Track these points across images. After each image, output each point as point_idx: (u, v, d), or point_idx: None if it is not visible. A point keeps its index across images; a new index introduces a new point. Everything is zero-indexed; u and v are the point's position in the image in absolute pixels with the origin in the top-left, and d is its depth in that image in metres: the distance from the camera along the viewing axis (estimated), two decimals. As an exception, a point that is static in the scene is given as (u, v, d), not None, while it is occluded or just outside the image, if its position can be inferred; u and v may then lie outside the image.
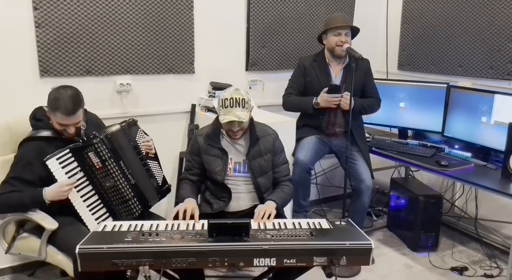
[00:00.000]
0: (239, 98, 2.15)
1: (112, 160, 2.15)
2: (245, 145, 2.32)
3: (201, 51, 3.09)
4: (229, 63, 3.25)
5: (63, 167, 2.07)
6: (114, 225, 1.93)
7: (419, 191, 3.14)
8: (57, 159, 2.06)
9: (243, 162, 2.32)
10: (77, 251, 1.68)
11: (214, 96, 3.01)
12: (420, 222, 3.06)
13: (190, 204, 2.15)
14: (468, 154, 2.91)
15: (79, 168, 2.12)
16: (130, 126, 2.33)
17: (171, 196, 2.63)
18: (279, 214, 2.29)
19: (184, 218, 2.06)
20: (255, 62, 3.32)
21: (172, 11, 2.91)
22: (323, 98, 2.87)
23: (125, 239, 1.75)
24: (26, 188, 2.05)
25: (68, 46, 2.63)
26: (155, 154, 2.42)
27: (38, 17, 2.51)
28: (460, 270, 2.85)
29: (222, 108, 2.17)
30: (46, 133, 2.13)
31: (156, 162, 2.42)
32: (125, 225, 1.94)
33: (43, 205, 2.04)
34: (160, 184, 2.39)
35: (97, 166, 2.12)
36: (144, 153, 2.34)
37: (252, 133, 2.31)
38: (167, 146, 2.48)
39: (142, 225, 1.94)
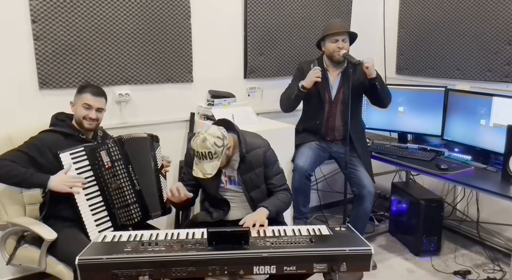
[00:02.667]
0: (205, 152, 2.06)
1: (121, 162, 2.22)
2: (237, 160, 2.28)
3: (199, 59, 3.10)
4: (228, 71, 3.26)
5: (74, 163, 2.14)
6: (114, 236, 1.93)
7: (420, 195, 3.14)
8: (71, 153, 2.14)
9: (236, 176, 2.31)
10: (76, 262, 1.68)
11: (213, 104, 3.02)
12: (422, 227, 3.05)
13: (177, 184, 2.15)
14: (468, 157, 2.91)
15: (89, 167, 2.18)
16: (153, 140, 2.41)
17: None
18: (279, 221, 2.28)
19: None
20: (253, 69, 3.33)
21: (170, 21, 2.94)
22: (307, 78, 2.84)
23: (125, 250, 1.75)
24: (29, 166, 2.08)
25: (66, 58, 2.65)
26: (165, 174, 2.47)
27: (37, 29, 2.53)
28: (463, 274, 2.83)
29: (194, 156, 2.13)
30: (65, 129, 2.22)
31: (166, 181, 2.45)
32: (124, 235, 1.94)
33: (43, 189, 2.10)
34: (164, 200, 2.40)
35: (107, 166, 2.20)
36: (159, 167, 2.39)
37: (240, 149, 2.27)
38: (167, 155, 2.50)
39: (142, 235, 1.94)
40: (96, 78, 2.77)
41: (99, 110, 2.26)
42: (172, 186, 2.12)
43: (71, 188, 2.08)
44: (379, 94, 2.91)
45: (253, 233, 1.96)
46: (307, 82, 2.83)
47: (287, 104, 2.99)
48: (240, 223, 2.10)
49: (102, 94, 2.29)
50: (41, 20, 2.53)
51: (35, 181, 2.07)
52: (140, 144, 2.34)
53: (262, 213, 2.14)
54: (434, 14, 3.45)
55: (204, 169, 2.08)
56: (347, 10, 3.69)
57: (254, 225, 2.03)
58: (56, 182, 2.07)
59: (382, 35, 3.88)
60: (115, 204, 2.21)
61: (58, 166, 2.12)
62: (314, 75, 2.80)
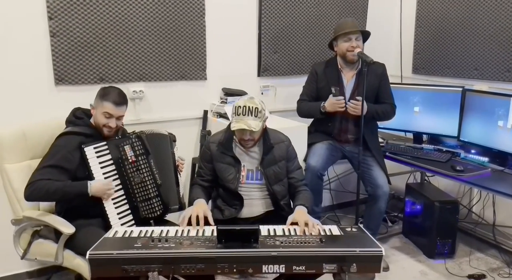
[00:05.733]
0: (252, 107, 2.15)
1: (145, 157, 2.27)
2: (259, 153, 2.32)
3: (213, 57, 3.11)
4: (241, 69, 3.26)
5: (98, 157, 2.18)
6: (125, 231, 1.94)
7: (434, 196, 3.09)
8: (94, 147, 2.17)
9: (256, 169, 2.32)
10: (87, 257, 1.70)
11: (226, 102, 3.02)
12: (436, 229, 3.01)
13: (201, 207, 2.12)
14: (485, 159, 2.85)
15: (111, 161, 2.21)
16: (172, 138, 2.46)
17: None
18: None
19: (197, 223, 2.02)
20: (267, 67, 3.32)
21: (184, 18, 2.94)
22: (329, 102, 2.86)
23: (135, 245, 1.76)
24: (62, 177, 2.10)
25: (82, 55, 2.68)
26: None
27: (53, 26, 2.56)
28: (478, 278, 2.79)
29: (235, 115, 2.19)
30: (85, 129, 2.23)
31: (181, 177, 2.48)
32: (135, 231, 1.95)
33: (85, 197, 2.10)
34: (181, 196, 2.44)
35: (131, 160, 2.24)
36: (177, 164, 2.44)
37: (265, 141, 2.30)
38: (180, 152, 2.52)
39: (153, 231, 1.95)
40: (110, 75, 2.79)
41: (120, 118, 2.26)
42: (199, 212, 2.06)
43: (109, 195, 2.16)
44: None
45: (299, 231, 1.95)
46: (330, 107, 2.86)
47: (304, 115, 3.06)
48: (288, 223, 2.05)
49: (124, 103, 2.26)
50: (57, 17, 2.57)
51: (75, 191, 2.10)
52: (161, 140, 2.38)
53: (303, 212, 2.11)
54: (452, 13, 3.39)
55: (248, 124, 2.13)
56: (363, 8, 3.65)
57: (306, 225, 1.99)
58: (97, 189, 2.11)
59: (398, 34, 3.83)
60: (137, 198, 2.25)
61: (84, 163, 2.14)
62: (337, 104, 2.82)
